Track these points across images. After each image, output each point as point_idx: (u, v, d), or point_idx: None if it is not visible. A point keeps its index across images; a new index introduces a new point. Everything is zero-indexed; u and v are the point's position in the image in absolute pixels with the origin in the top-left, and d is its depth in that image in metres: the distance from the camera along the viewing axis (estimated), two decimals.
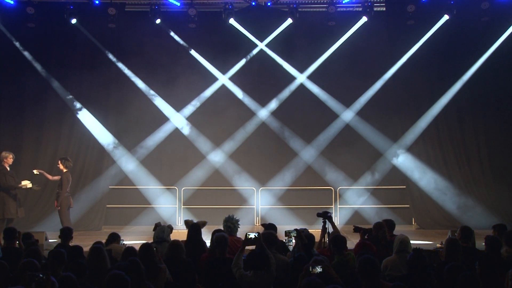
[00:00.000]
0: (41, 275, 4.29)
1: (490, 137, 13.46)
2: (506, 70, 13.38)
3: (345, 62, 13.67)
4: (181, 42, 13.99)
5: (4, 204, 10.71)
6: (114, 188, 13.73)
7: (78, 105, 13.57)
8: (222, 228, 7.46)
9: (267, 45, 14.06)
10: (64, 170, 11.40)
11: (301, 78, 14.06)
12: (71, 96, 13.55)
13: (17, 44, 13.43)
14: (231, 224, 7.45)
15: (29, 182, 11.01)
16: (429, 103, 13.49)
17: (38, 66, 13.53)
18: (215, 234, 6.39)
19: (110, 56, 13.71)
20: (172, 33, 13.86)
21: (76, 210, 12.70)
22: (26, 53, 13.48)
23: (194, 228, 7.22)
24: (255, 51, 14.11)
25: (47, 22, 13.27)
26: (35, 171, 11.57)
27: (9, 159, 10.99)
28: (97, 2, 12.84)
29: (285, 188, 13.99)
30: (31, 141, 13.55)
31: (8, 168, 10.97)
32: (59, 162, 11.52)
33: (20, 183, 10.94)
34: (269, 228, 6.98)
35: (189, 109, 14.05)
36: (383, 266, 5.86)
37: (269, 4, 13.34)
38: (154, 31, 13.56)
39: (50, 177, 11.70)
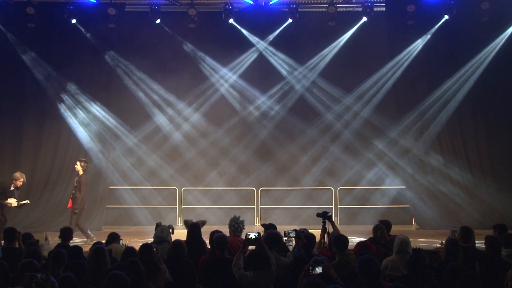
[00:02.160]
0: (41, 275, 4.29)
1: (491, 137, 13.45)
2: (506, 70, 13.36)
3: (345, 62, 13.69)
4: (181, 42, 13.98)
5: None
6: (114, 188, 13.73)
7: (78, 104, 13.55)
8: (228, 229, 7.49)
9: (267, 45, 14.05)
10: (81, 172, 11.35)
11: (301, 78, 14.06)
12: (71, 96, 13.53)
13: (17, 44, 13.41)
14: (235, 223, 7.47)
15: (16, 201, 10.75)
16: (429, 103, 13.46)
17: (37, 66, 13.50)
18: (214, 235, 6.40)
19: (110, 56, 13.70)
20: (172, 34, 13.85)
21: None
22: (26, 53, 13.44)
23: (193, 228, 7.22)
24: (255, 51, 14.11)
25: (47, 22, 13.24)
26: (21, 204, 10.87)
27: (19, 182, 10.84)
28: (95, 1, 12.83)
29: (285, 188, 14.00)
30: (31, 141, 13.53)
31: (12, 188, 10.82)
32: (78, 163, 11.44)
33: (7, 199, 10.70)
34: (269, 228, 6.98)
35: (190, 109, 14.06)
36: (383, 266, 5.86)
37: (269, 4, 13.32)
38: (154, 31, 13.55)
39: (20, 203, 10.88)
